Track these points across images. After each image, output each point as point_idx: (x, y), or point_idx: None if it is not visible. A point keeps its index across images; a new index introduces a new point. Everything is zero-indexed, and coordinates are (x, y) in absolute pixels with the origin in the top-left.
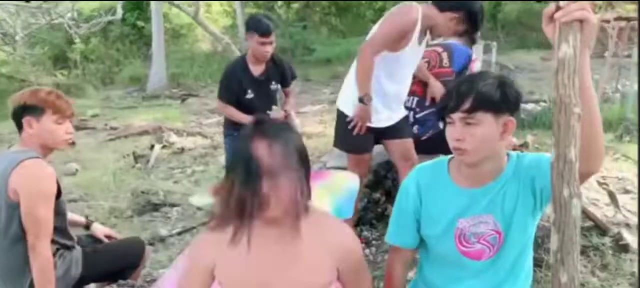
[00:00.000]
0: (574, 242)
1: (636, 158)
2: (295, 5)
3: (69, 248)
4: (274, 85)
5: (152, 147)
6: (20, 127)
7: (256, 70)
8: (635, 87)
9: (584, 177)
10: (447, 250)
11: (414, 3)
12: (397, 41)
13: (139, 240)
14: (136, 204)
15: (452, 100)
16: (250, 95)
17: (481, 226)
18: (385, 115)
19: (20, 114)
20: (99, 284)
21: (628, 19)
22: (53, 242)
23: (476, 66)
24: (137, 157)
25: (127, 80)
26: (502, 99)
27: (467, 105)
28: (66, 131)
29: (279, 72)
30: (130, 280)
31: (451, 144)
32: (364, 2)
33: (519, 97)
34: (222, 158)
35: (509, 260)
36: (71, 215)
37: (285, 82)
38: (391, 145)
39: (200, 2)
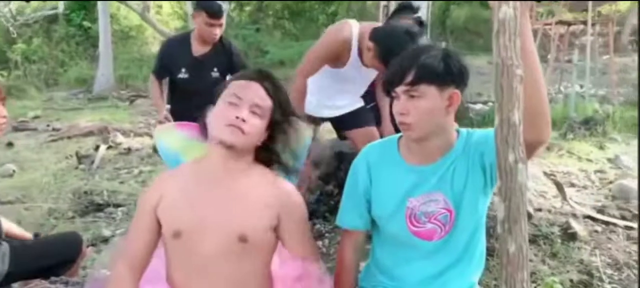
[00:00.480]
0: (521, 211)
1: (579, 154)
2: (248, 8)
3: None
4: (216, 73)
5: (97, 147)
6: None
7: (198, 50)
8: (577, 88)
9: (534, 146)
10: (398, 230)
11: (350, 21)
12: (330, 61)
13: (75, 234)
14: (78, 205)
15: (396, 73)
16: (184, 74)
17: (431, 204)
18: (333, 111)
19: None
20: (22, 282)
21: (569, 24)
22: None
23: None
24: (80, 158)
25: (73, 81)
26: (445, 71)
27: (409, 77)
28: (1, 115)
29: (226, 58)
30: (64, 277)
31: (397, 118)
32: (316, 6)
33: (464, 70)
34: None
35: (462, 240)
36: (16, 229)
37: (235, 71)
38: (355, 135)
39: (151, 2)
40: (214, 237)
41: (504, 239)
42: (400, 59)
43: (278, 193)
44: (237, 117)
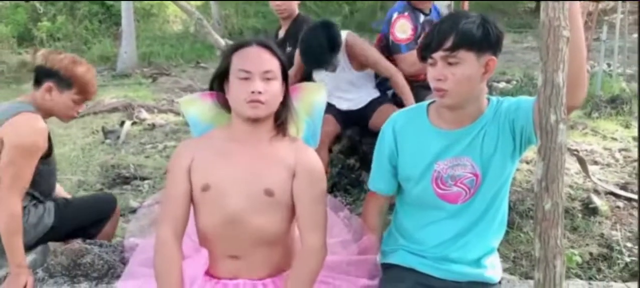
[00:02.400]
0: (559, 168)
1: (604, 133)
2: None
3: (42, 201)
4: (289, 50)
5: (123, 123)
6: (38, 81)
7: (282, 31)
8: (604, 66)
9: (567, 109)
10: (424, 193)
11: None
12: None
13: (109, 195)
14: (106, 178)
15: (434, 39)
16: None
17: (459, 168)
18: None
19: (47, 75)
20: (60, 243)
21: (597, 0)
22: (29, 194)
23: (398, 24)
24: (106, 133)
25: (96, 58)
26: (484, 37)
27: (448, 43)
28: (77, 110)
29: (297, 36)
30: (98, 240)
31: (432, 84)
32: None
33: (501, 35)
34: None
35: (485, 201)
36: (61, 191)
37: None
38: (376, 119)
39: None
40: (241, 192)
41: (541, 196)
42: (438, 24)
43: (296, 148)
44: (252, 92)
